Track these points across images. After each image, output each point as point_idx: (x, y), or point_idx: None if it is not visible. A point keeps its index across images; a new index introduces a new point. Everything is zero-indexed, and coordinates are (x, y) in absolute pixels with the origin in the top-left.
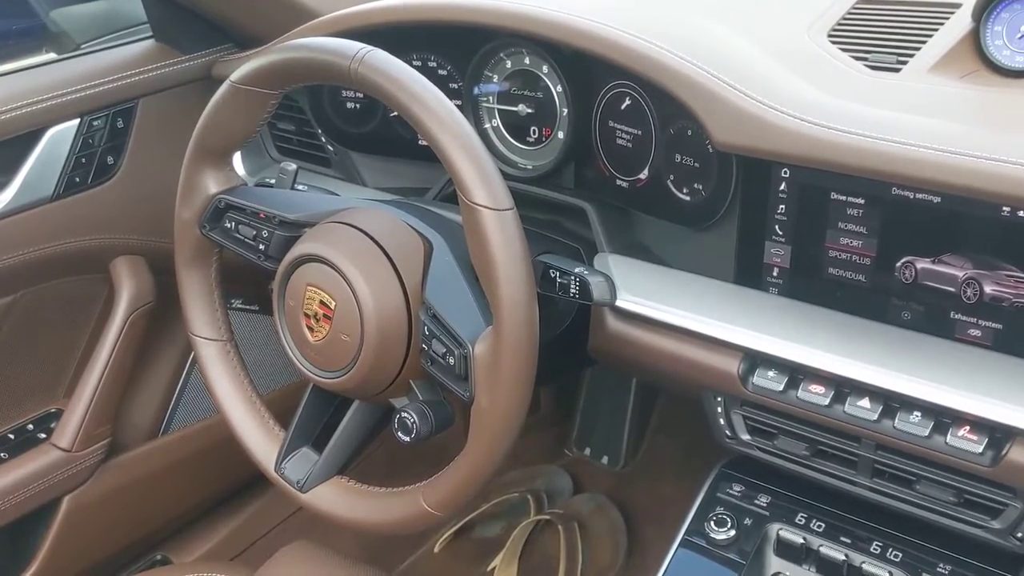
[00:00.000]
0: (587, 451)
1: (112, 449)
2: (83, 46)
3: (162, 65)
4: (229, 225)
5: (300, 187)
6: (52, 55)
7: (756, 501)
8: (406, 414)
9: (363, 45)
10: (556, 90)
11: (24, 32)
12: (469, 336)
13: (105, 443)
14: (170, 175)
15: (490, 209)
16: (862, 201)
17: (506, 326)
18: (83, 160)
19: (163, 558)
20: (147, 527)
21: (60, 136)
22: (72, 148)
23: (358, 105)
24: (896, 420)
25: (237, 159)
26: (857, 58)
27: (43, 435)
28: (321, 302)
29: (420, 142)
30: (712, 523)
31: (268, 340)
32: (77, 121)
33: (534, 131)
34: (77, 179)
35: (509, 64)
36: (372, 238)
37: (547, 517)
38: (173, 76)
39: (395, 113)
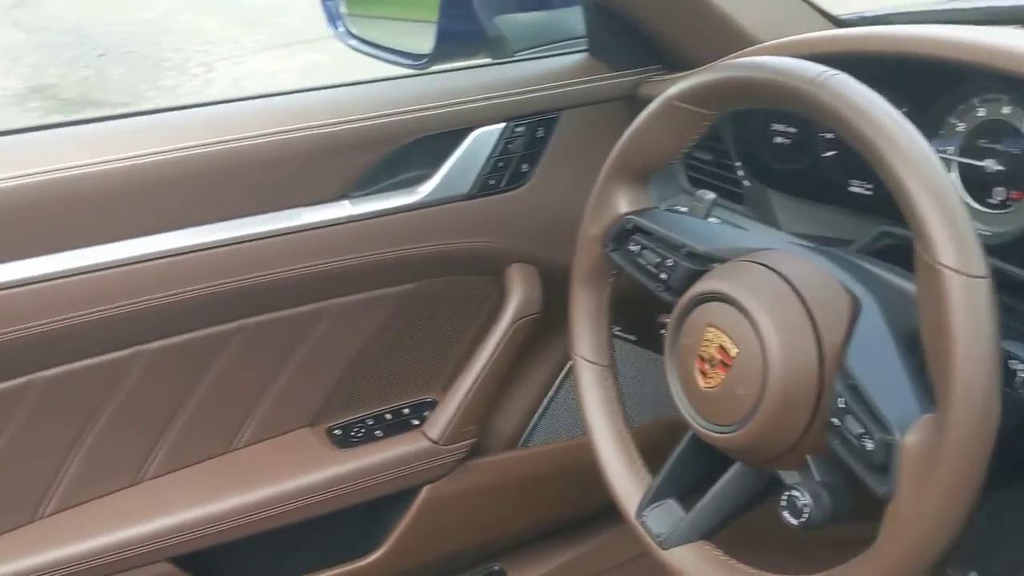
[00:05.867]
0: None
1: (475, 450)
2: (518, 53)
3: (591, 79)
4: (634, 248)
5: (712, 220)
6: (486, 59)
7: None
8: (797, 493)
9: (825, 68)
10: None
11: (466, 35)
12: (898, 421)
13: (470, 442)
14: (578, 191)
15: (959, 273)
16: None
17: (956, 418)
18: (500, 164)
19: (500, 570)
20: (491, 533)
21: (484, 138)
22: (492, 151)
23: (789, 140)
24: None
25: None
26: None
27: (416, 422)
28: (720, 346)
29: (851, 189)
30: None
31: (637, 373)
32: (502, 126)
33: (999, 192)
34: (491, 182)
35: (982, 112)
36: (791, 285)
37: None
38: (599, 91)
39: (830, 153)
